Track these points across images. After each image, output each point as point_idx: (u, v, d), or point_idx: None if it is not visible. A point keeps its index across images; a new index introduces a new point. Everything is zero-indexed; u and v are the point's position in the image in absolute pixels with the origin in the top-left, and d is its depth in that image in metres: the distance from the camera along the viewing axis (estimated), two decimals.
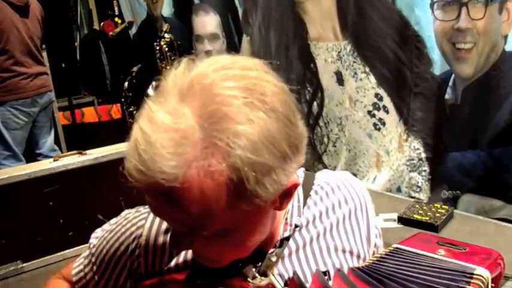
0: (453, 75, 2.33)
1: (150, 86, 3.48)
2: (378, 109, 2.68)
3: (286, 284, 0.90)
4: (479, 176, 2.28)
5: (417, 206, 2.22)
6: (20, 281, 2.05)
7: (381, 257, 0.93)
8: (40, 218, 2.13)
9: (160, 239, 0.98)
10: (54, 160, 2.18)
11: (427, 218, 2.08)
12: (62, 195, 2.14)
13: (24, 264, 2.09)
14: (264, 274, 0.89)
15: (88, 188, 2.18)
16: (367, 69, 2.69)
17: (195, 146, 0.69)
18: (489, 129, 2.20)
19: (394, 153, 2.66)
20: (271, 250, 0.93)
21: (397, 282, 0.83)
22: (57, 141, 4.42)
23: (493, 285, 0.85)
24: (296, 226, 0.96)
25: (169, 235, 0.96)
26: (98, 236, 1.08)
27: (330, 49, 2.91)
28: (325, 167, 3.04)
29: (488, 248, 0.94)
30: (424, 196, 2.55)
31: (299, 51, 3.11)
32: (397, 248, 0.96)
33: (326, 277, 0.90)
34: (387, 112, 2.64)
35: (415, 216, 2.11)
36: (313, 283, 0.85)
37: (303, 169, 1.05)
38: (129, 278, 1.01)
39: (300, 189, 0.99)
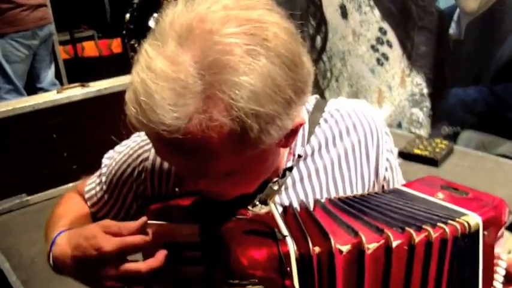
0: (458, 10, 2.30)
1: (151, 19, 3.44)
2: (382, 43, 2.65)
3: (285, 212, 0.91)
4: (480, 112, 2.29)
5: (418, 141, 2.24)
6: (25, 213, 2.09)
7: (375, 193, 0.95)
8: (44, 151, 2.15)
9: (167, 164, 0.98)
10: (58, 92, 2.18)
11: (427, 153, 2.10)
12: (66, 127, 2.16)
13: (29, 197, 2.13)
14: (265, 202, 0.90)
15: (91, 120, 2.19)
16: (372, 3, 2.65)
17: (196, 97, 0.68)
18: (492, 64, 2.19)
19: (396, 89, 2.65)
20: (274, 179, 0.94)
21: (379, 211, 0.85)
22: (57, 75, 4.39)
23: (485, 232, 0.84)
24: (299, 156, 0.96)
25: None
26: (109, 156, 1.10)
27: None
28: None
29: (494, 195, 0.90)
30: (424, 132, 2.56)
31: None
32: (395, 188, 0.98)
33: None
34: (391, 47, 2.62)
35: (415, 151, 2.13)
36: (300, 212, 0.88)
37: (315, 96, 1.02)
38: (136, 200, 1.03)
39: (306, 118, 0.97)
